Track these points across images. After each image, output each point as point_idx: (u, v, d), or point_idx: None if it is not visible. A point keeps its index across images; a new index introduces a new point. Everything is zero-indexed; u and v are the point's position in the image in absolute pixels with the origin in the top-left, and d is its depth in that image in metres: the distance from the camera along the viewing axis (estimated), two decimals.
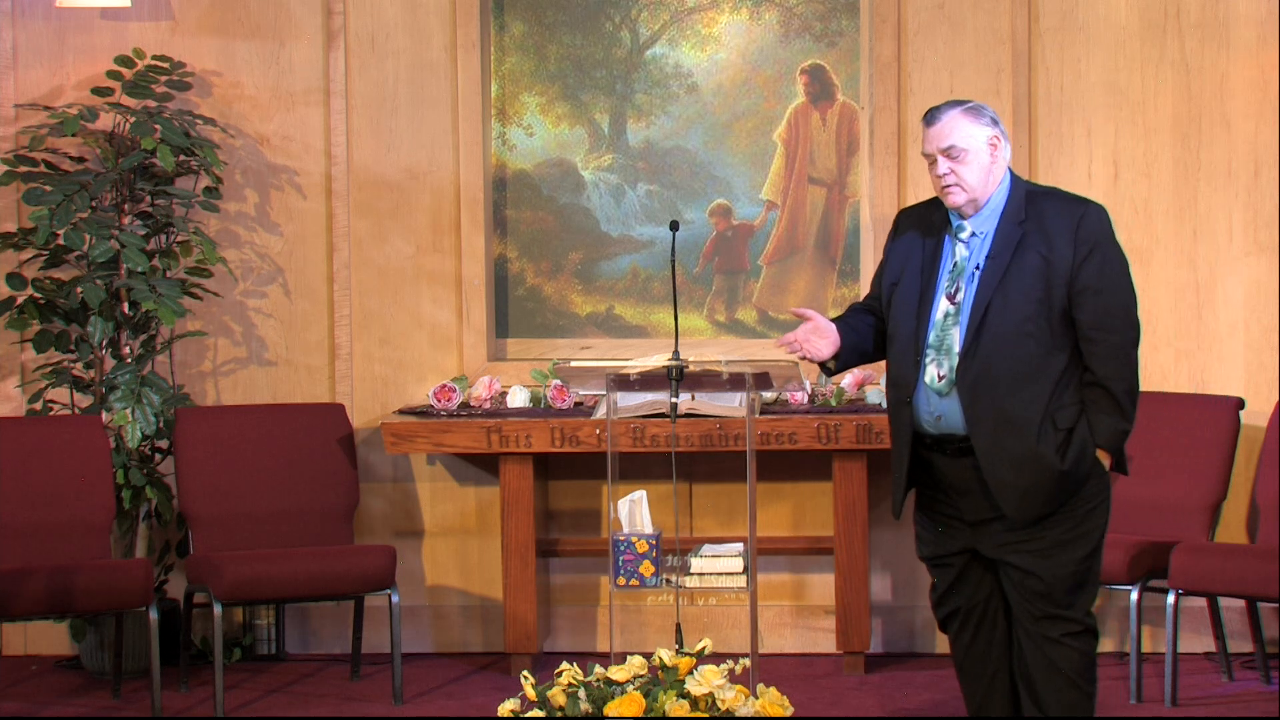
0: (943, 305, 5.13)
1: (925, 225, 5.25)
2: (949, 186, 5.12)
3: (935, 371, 5.11)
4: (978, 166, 5.11)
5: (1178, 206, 7.43)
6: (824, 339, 5.25)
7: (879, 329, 5.33)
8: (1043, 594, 5.14)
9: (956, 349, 5.08)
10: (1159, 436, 7.11)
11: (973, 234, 5.15)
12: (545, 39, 7.70)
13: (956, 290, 5.12)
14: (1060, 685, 5.16)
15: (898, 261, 5.26)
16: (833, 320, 5.38)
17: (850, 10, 7.59)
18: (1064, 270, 5.05)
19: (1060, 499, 5.09)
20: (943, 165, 5.11)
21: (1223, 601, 7.01)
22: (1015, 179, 5.19)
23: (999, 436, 5.05)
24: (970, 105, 5.16)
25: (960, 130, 5.11)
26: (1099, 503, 5.17)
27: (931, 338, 5.13)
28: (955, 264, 5.15)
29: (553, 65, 7.70)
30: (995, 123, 5.15)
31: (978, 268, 5.11)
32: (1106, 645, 7.40)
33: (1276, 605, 7.02)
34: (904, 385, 5.17)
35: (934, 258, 5.19)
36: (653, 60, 7.68)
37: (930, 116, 5.16)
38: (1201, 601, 7.07)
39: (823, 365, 5.31)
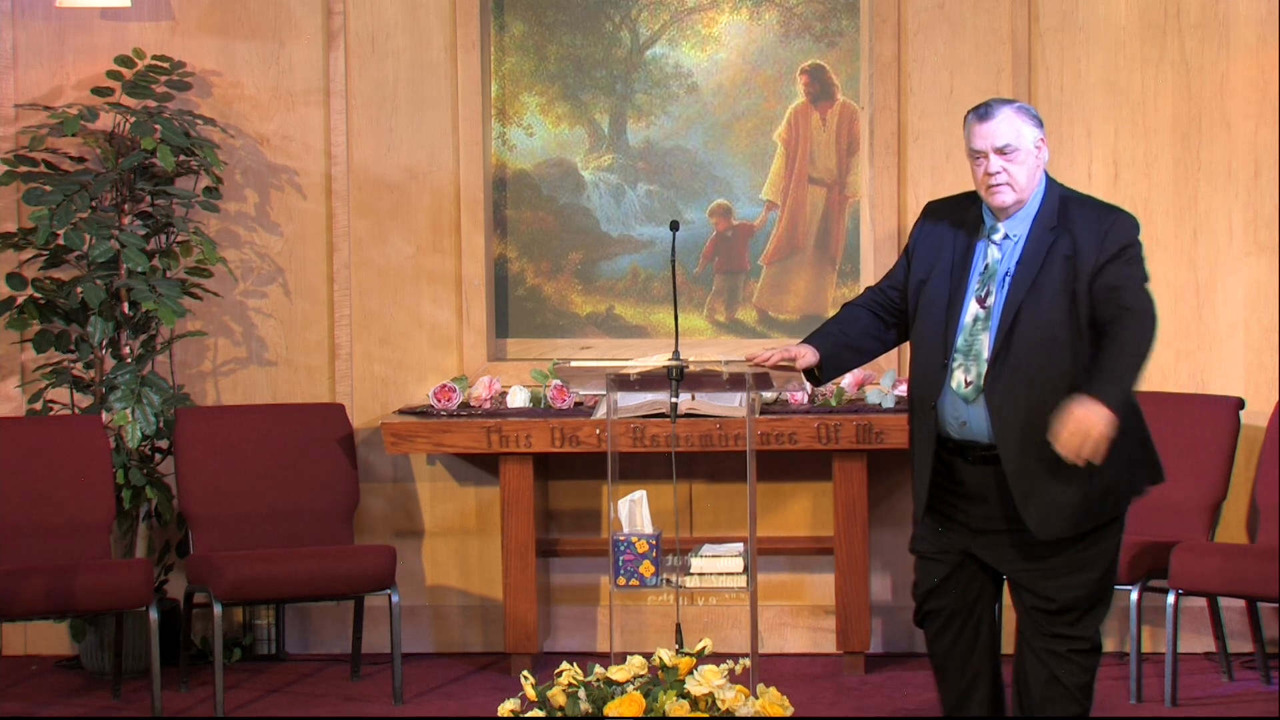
0: (972, 309, 5.05)
1: (957, 223, 5.15)
2: (999, 185, 5.02)
3: (962, 377, 5.04)
4: (1027, 167, 5.03)
5: (1178, 206, 7.43)
6: (801, 350, 5.21)
7: (876, 327, 5.26)
8: (1056, 615, 5.10)
9: (985, 355, 5.00)
10: (1159, 436, 7.07)
11: (1006, 236, 5.06)
12: (545, 39, 7.70)
13: (987, 294, 5.04)
14: (1058, 697, 5.12)
15: (926, 258, 5.16)
16: (825, 321, 5.34)
17: (850, 10, 7.59)
18: (1086, 273, 4.97)
19: (1081, 521, 5.01)
20: (995, 163, 5.01)
21: (1223, 601, 7.01)
22: (1050, 183, 5.11)
23: (1027, 447, 4.97)
24: (1020, 104, 5.08)
25: (1016, 128, 5.02)
26: (1116, 518, 5.11)
27: (960, 342, 5.04)
28: (987, 266, 5.06)
29: (553, 65, 7.70)
30: (1041, 124, 5.07)
31: (1008, 272, 5.02)
32: (1106, 645, 7.38)
33: (1276, 605, 7.02)
34: (929, 389, 5.09)
35: (965, 259, 5.09)
36: (653, 60, 7.68)
37: (983, 112, 5.05)
38: (1201, 601, 7.07)
39: (808, 374, 5.26)
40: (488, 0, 7.67)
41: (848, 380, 7.31)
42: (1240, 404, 7.11)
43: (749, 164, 7.68)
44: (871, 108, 7.53)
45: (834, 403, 7.27)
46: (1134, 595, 6.71)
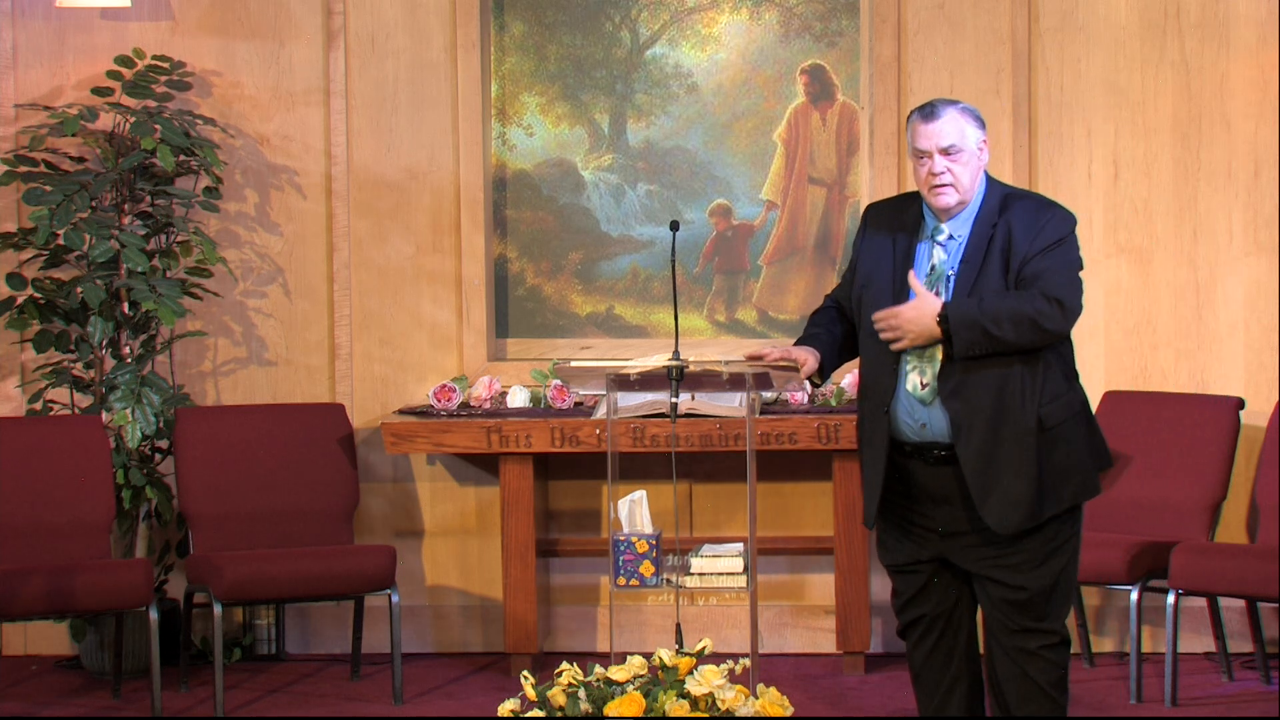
0: None
1: (896, 225, 5.16)
2: (943, 186, 5.03)
3: (918, 379, 5.04)
4: (971, 168, 5.05)
5: (1178, 206, 7.43)
6: (804, 355, 5.21)
7: (852, 328, 5.27)
8: (1022, 607, 5.09)
9: (939, 355, 5.00)
10: (1159, 436, 7.11)
11: (950, 237, 5.08)
12: (545, 39, 7.70)
13: (936, 294, 5.03)
14: (1033, 695, 5.12)
15: (869, 262, 5.17)
16: (808, 327, 5.34)
17: (850, 10, 7.59)
18: (1015, 264, 4.99)
19: (1042, 510, 5.01)
20: (940, 164, 5.02)
21: (1223, 601, 7.01)
22: (990, 183, 5.13)
23: (985, 445, 4.98)
24: (964, 105, 5.10)
25: (960, 128, 5.04)
26: (1073, 508, 5.11)
27: None
28: (934, 267, 5.07)
29: (553, 65, 7.71)
30: (984, 126, 5.09)
31: (952, 270, 5.04)
32: (1106, 645, 7.40)
33: (1276, 605, 7.02)
34: (880, 392, 5.09)
35: (905, 260, 5.09)
36: (653, 60, 7.68)
37: (928, 112, 5.06)
38: (1201, 601, 7.07)
39: (809, 378, 5.26)
40: (488, 0, 7.67)
41: (848, 380, 7.31)
42: (1240, 404, 7.10)
43: (749, 164, 7.68)
44: (871, 108, 7.53)
45: (834, 403, 7.27)
46: (1134, 595, 6.70)
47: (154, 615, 6.72)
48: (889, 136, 7.50)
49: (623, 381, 5.60)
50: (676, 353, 5.53)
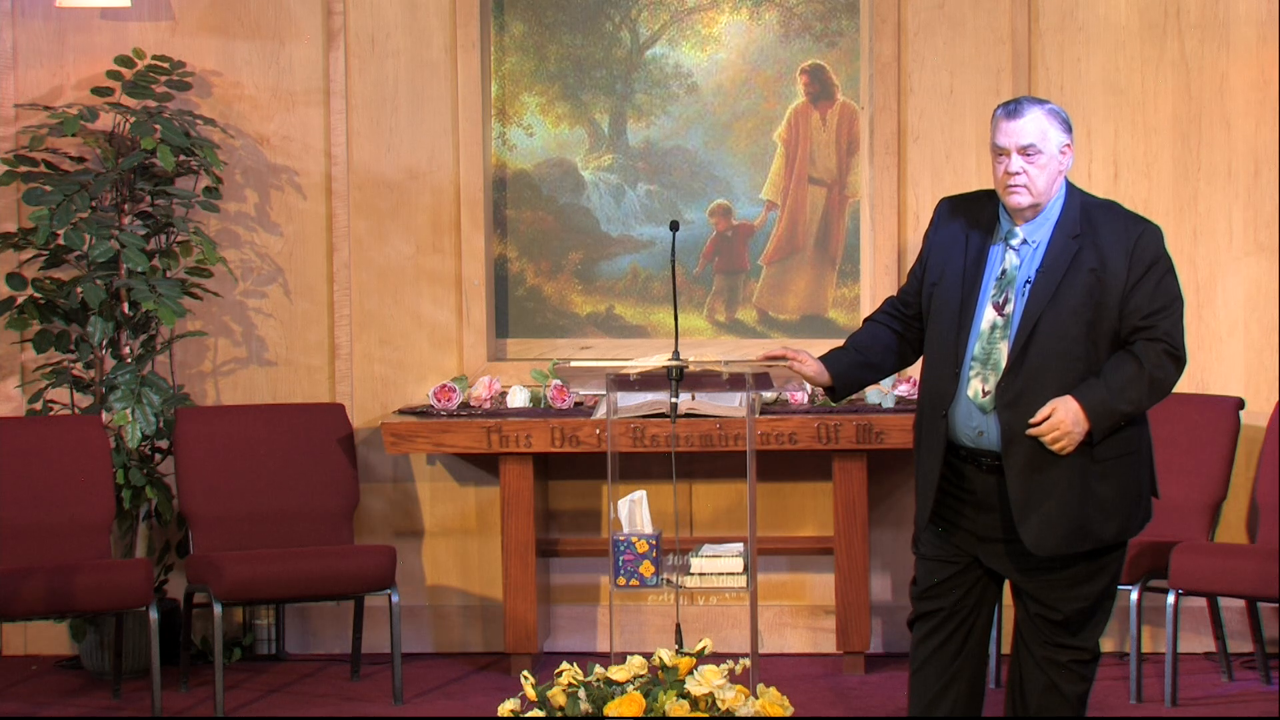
0: (989, 316, 4.95)
1: (972, 223, 5.04)
2: (1017, 187, 4.91)
3: (980, 386, 4.94)
4: (1049, 171, 4.93)
5: (1178, 206, 7.43)
6: (810, 365, 5.17)
7: (894, 342, 5.19)
8: (1057, 625, 5.05)
9: (1004, 363, 4.91)
10: (1159, 436, 7.07)
11: (1024, 241, 4.96)
12: (545, 39, 7.70)
13: (1005, 301, 4.94)
14: (1055, 706, 5.09)
15: (939, 259, 5.06)
16: (849, 336, 5.26)
17: (850, 10, 7.59)
18: (1116, 290, 4.89)
19: (1082, 541, 4.95)
20: (1016, 163, 4.91)
21: (1223, 601, 7.01)
22: (1071, 189, 5.01)
23: (1032, 461, 4.90)
24: (1051, 106, 4.97)
25: (1042, 129, 4.92)
26: (1124, 539, 5.05)
27: (976, 350, 4.95)
28: (1004, 272, 4.96)
29: (553, 65, 7.71)
30: (1070, 130, 4.98)
31: (1028, 280, 4.93)
32: (1106, 645, 7.40)
33: (1276, 605, 7.02)
34: (941, 397, 4.99)
35: (978, 262, 4.99)
36: (653, 60, 7.68)
37: (1012, 109, 4.94)
38: (1201, 601, 7.07)
39: (828, 391, 5.20)
40: (488, 0, 7.67)
41: None
42: (1240, 404, 7.11)
43: (749, 164, 7.68)
44: (871, 108, 7.53)
45: (834, 403, 7.27)
46: (1134, 595, 6.70)
47: (154, 615, 6.72)
48: (889, 136, 7.50)
49: (623, 381, 5.60)
50: (676, 353, 5.54)
